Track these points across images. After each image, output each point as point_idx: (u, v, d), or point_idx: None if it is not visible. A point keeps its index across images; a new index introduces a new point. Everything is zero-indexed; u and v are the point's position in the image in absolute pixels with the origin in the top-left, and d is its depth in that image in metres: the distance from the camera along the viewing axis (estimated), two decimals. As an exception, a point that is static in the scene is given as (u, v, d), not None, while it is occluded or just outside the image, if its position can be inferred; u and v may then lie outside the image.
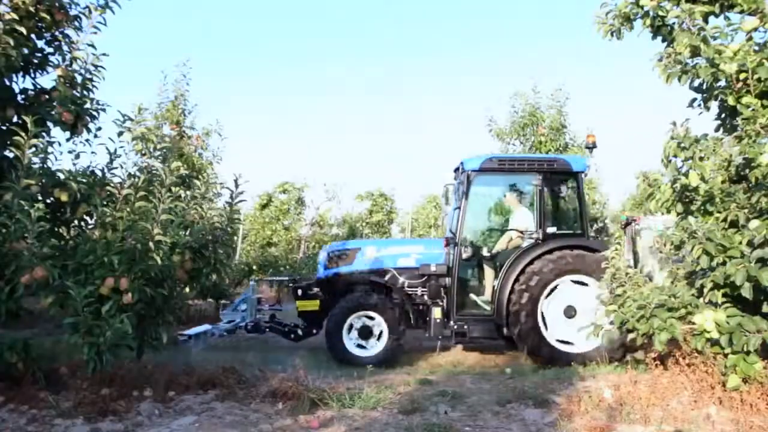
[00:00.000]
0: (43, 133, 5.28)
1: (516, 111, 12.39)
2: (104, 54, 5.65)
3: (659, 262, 7.20)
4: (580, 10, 25.51)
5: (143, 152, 5.66)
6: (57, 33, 5.60)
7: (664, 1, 5.16)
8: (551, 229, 7.68)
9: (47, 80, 5.90)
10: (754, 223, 4.42)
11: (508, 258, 7.39)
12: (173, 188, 5.32)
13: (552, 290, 7.17)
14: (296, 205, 17.32)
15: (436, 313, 7.44)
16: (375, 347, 7.36)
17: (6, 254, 4.73)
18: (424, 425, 4.38)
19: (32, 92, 5.61)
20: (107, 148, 5.61)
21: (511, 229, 7.97)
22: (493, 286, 7.50)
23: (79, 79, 5.56)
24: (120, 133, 5.55)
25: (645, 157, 14.51)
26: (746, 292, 4.20)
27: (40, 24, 5.41)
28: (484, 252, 7.82)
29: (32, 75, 5.66)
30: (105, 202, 5.25)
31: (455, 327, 7.39)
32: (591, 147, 8.02)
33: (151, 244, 4.95)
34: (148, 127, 5.67)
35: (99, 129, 5.73)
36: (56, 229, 5.47)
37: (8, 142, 5.01)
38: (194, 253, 5.58)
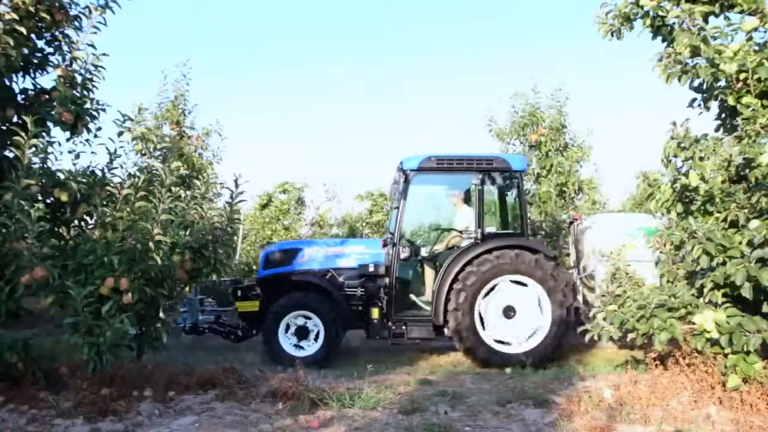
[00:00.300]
0: (43, 133, 5.27)
1: (516, 111, 12.38)
2: (104, 54, 5.65)
3: (600, 262, 7.30)
4: (580, 10, 25.50)
5: (143, 152, 5.66)
6: (57, 33, 5.60)
7: (664, 1, 5.17)
8: (490, 229, 7.68)
9: (47, 80, 5.91)
10: (754, 223, 4.42)
11: (448, 258, 7.38)
12: (173, 188, 5.32)
13: (490, 290, 7.16)
14: (296, 205, 17.29)
15: (374, 313, 7.41)
16: (312, 347, 7.29)
17: (6, 254, 4.73)
18: (424, 425, 4.38)
19: (32, 92, 5.61)
20: (107, 148, 5.61)
21: (450, 229, 7.96)
22: (432, 287, 7.49)
23: (79, 79, 5.56)
24: (120, 133, 5.55)
25: (645, 157, 14.48)
26: (746, 292, 4.20)
27: (40, 24, 5.41)
28: (423, 252, 7.78)
29: (32, 75, 5.66)
30: (105, 202, 5.25)
31: (393, 327, 7.36)
32: (534, 146, 7.97)
33: (151, 244, 4.95)
34: (148, 127, 5.67)
35: (99, 129, 5.73)
36: (56, 229, 5.47)
37: (8, 142, 5.01)
38: (194, 253, 5.58)
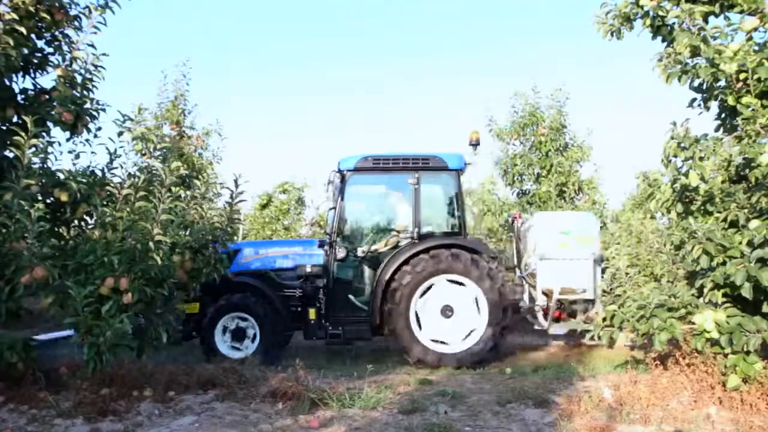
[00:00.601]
0: (43, 133, 5.28)
1: (516, 111, 12.39)
2: (104, 54, 5.67)
3: (540, 260, 7.33)
4: (580, 10, 25.52)
5: (143, 152, 5.66)
6: (57, 33, 5.60)
7: (664, 1, 5.17)
8: (427, 228, 7.63)
9: (47, 80, 5.92)
10: (754, 223, 4.43)
11: (385, 258, 7.37)
12: (173, 188, 5.32)
13: (427, 290, 7.14)
14: (296, 205, 17.28)
15: (311, 314, 7.37)
16: (249, 349, 7.22)
17: (6, 254, 4.74)
18: (424, 425, 4.38)
19: (32, 92, 5.61)
20: (107, 148, 5.62)
21: (388, 229, 7.93)
22: (370, 287, 7.48)
23: (79, 79, 5.57)
24: (120, 133, 5.55)
25: (645, 157, 14.46)
26: (746, 292, 4.21)
27: (40, 24, 5.42)
28: (360, 252, 7.73)
29: (32, 75, 5.67)
30: (105, 202, 5.25)
31: (330, 328, 7.34)
32: (474, 144, 7.92)
33: (151, 244, 4.95)
34: (148, 127, 5.68)
35: (99, 129, 5.73)
36: (56, 229, 5.47)
37: (8, 142, 5.01)
38: (194, 253, 5.58)
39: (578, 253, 7.26)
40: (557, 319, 7.48)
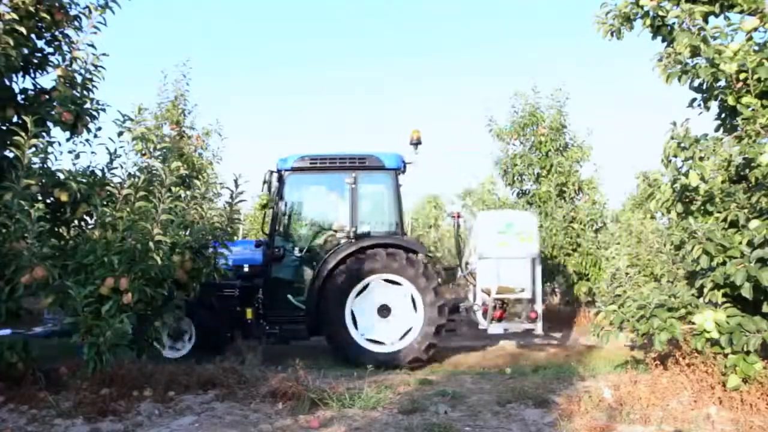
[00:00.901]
0: (43, 133, 5.28)
1: (516, 111, 12.37)
2: (104, 54, 5.66)
3: (480, 259, 7.36)
4: (580, 10, 25.51)
5: (143, 152, 5.65)
6: (57, 33, 5.60)
7: (664, 1, 5.16)
8: (365, 228, 7.63)
9: (47, 80, 5.91)
10: (754, 223, 4.42)
11: (322, 257, 7.38)
12: (173, 188, 5.32)
13: (362, 289, 7.15)
14: (296, 205, 17.29)
15: (249, 313, 7.38)
16: (185, 348, 7.22)
17: (6, 254, 4.73)
18: (424, 425, 4.38)
19: (32, 92, 5.60)
20: (107, 148, 5.62)
21: (326, 228, 7.93)
22: (307, 286, 7.48)
23: (79, 79, 5.56)
24: (120, 133, 5.55)
25: (645, 157, 14.44)
26: (746, 292, 4.21)
27: (40, 24, 5.41)
28: (297, 251, 7.74)
29: (32, 75, 5.66)
30: (105, 202, 5.25)
31: (267, 327, 7.34)
32: (415, 143, 7.90)
33: (151, 244, 4.95)
34: (148, 127, 5.68)
35: (99, 129, 5.73)
36: (56, 229, 5.47)
37: (8, 142, 5.01)
38: (194, 253, 5.58)
39: (517, 252, 7.28)
40: (500, 319, 7.48)
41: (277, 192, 7.56)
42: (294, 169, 7.57)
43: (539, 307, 7.35)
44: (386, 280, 7.16)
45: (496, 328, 7.41)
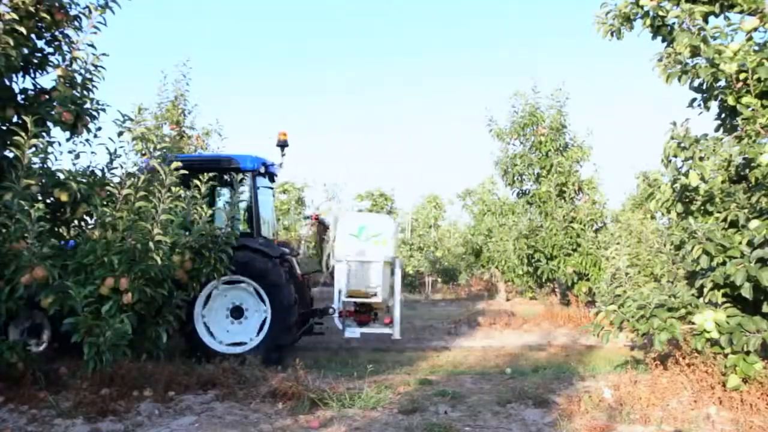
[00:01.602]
0: (43, 133, 5.28)
1: (516, 111, 12.38)
2: (104, 54, 5.66)
3: (336, 261, 7.37)
4: (580, 10, 25.50)
5: (143, 152, 5.65)
6: (57, 33, 5.60)
7: (664, 1, 5.17)
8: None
9: (47, 80, 5.92)
10: (754, 223, 4.42)
11: None
12: (173, 188, 5.32)
13: (208, 297, 6.96)
14: (296, 205, 17.30)
15: None
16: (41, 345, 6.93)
17: (6, 254, 4.73)
18: (424, 425, 4.38)
19: (32, 92, 5.61)
20: (107, 148, 5.62)
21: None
22: None
23: (79, 79, 5.56)
24: (120, 133, 5.55)
25: (645, 157, 14.45)
26: (746, 292, 4.20)
27: (40, 24, 5.41)
28: None
29: (32, 75, 5.66)
30: (105, 202, 5.25)
31: None
32: (282, 145, 7.84)
33: (151, 244, 4.95)
34: (148, 127, 5.67)
35: (99, 129, 5.73)
36: (56, 229, 5.47)
37: (8, 142, 5.02)
38: (194, 253, 5.57)
39: (370, 256, 7.27)
40: (365, 323, 7.48)
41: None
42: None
43: (397, 311, 7.33)
44: (227, 282, 6.92)
45: (351, 332, 7.36)
